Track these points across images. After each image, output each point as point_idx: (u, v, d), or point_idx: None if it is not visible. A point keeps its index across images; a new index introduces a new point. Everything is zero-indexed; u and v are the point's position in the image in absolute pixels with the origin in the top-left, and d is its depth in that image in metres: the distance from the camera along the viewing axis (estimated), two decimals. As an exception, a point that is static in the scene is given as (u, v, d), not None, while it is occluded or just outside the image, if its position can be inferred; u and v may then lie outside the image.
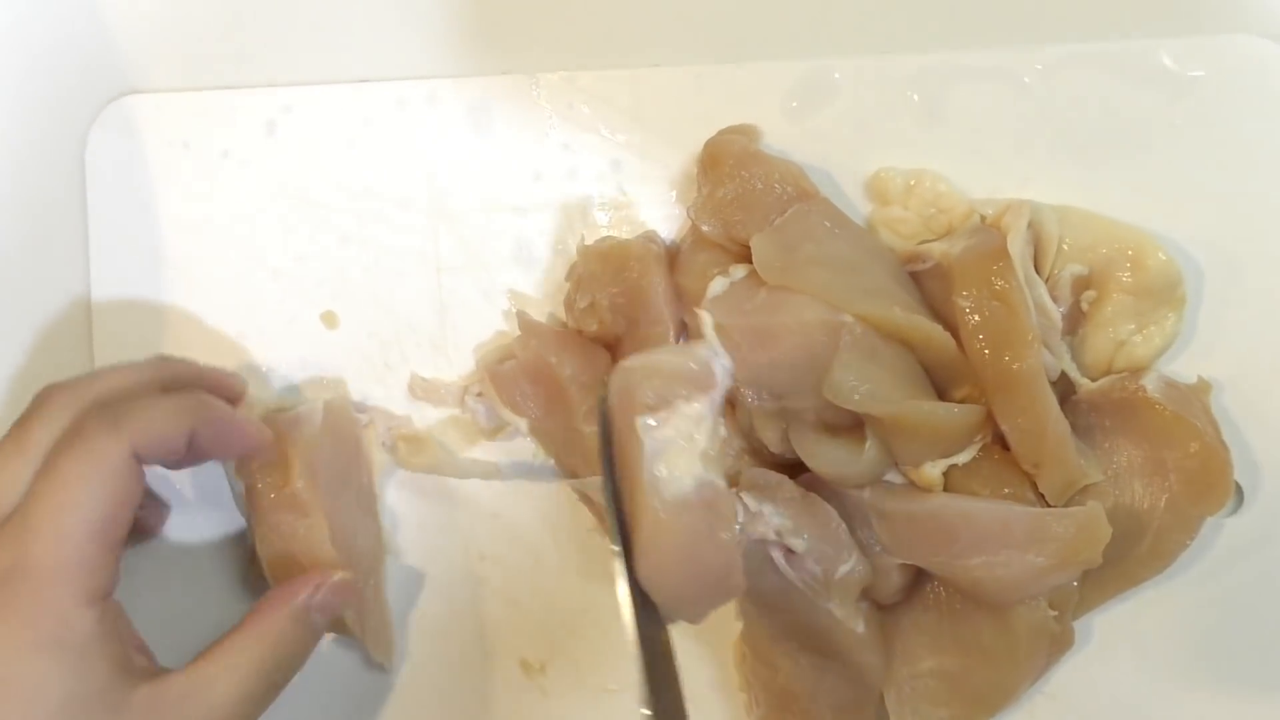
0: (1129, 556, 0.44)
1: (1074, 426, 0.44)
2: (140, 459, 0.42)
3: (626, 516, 0.40)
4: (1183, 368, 0.46)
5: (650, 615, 0.40)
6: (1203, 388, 0.45)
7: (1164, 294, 0.45)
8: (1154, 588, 0.46)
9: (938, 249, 0.45)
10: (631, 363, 0.40)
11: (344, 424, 0.50)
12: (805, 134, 0.49)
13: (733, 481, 0.45)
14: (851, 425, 0.44)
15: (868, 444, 0.43)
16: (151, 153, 0.53)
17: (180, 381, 0.46)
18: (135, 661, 0.41)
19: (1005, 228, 0.44)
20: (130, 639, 0.42)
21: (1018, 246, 0.43)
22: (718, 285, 0.45)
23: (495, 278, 0.51)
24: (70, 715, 0.38)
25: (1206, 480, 0.43)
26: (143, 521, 0.49)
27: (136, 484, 0.42)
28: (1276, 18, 0.46)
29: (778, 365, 0.44)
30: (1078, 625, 0.45)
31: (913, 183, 0.47)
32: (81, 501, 0.40)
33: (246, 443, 0.46)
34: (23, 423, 0.43)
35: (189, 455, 0.44)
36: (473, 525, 0.51)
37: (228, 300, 0.52)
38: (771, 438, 0.45)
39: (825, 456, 0.44)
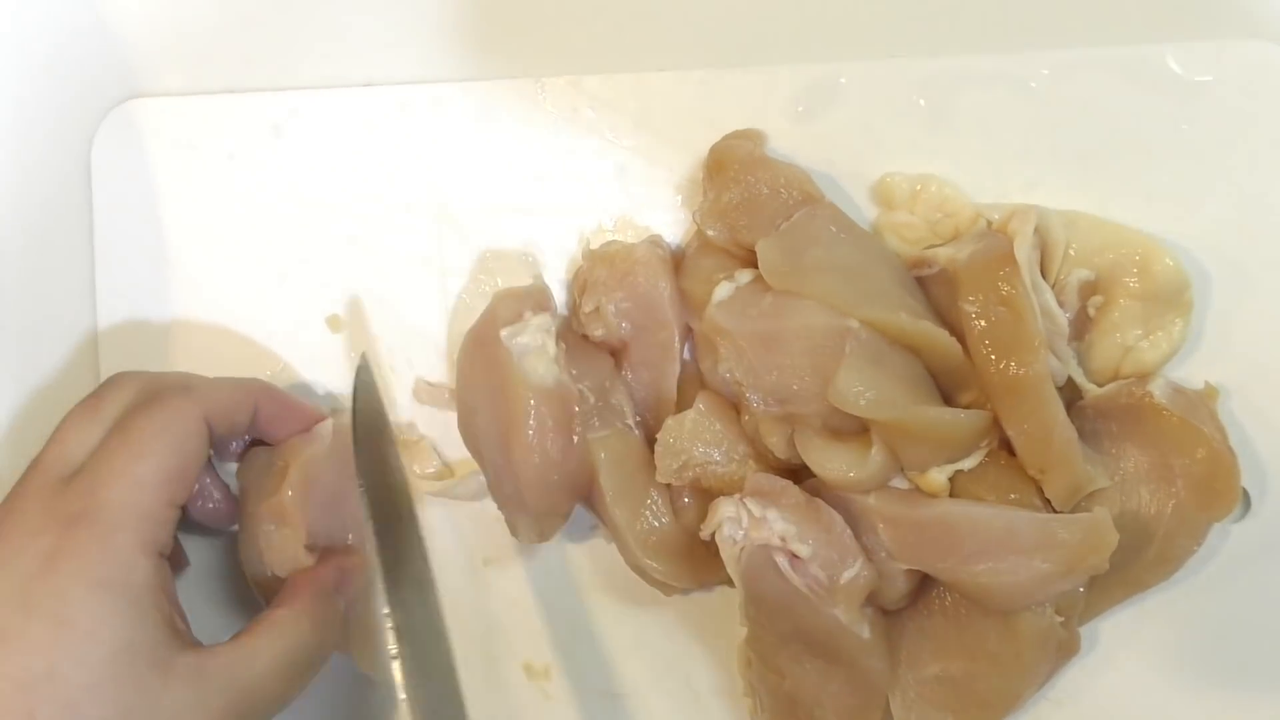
0: (1136, 562, 0.44)
1: (1080, 432, 0.44)
2: (212, 426, 0.45)
3: (481, 434, 0.46)
4: (1190, 373, 0.46)
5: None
6: (1210, 393, 0.45)
7: (1171, 299, 0.44)
8: (1160, 593, 0.45)
9: (944, 254, 0.45)
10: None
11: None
12: (811, 138, 0.48)
13: (738, 486, 0.45)
14: (857, 430, 0.44)
15: (873, 449, 0.43)
16: (157, 156, 0.53)
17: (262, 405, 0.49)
18: (179, 626, 0.43)
19: (1011, 233, 0.44)
20: (176, 604, 0.44)
21: (1024, 252, 0.43)
22: (723, 290, 0.45)
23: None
24: (121, 665, 0.40)
25: (1213, 486, 0.43)
26: (214, 512, 0.50)
27: (204, 446, 0.45)
28: (1284, 23, 0.46)
29: (783, 371, 0.43)
30: (1084, 631, 0.45)
31: (919, 187, 0.47)
32: (155, 451, 0.43)
33: (305, 421, 0.49)
34: (96, 394, 0.45)
35: (249, 432, 0.48)
36: (476, 530, 0.51)
37: (233, 303, 0.52)
38: (777, 443, 0.45)
39: (831, 462, 0.44)
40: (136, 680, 0.40)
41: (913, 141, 0.48)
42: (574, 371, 0.47)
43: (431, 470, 0.51)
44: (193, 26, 0.53)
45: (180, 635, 0.42)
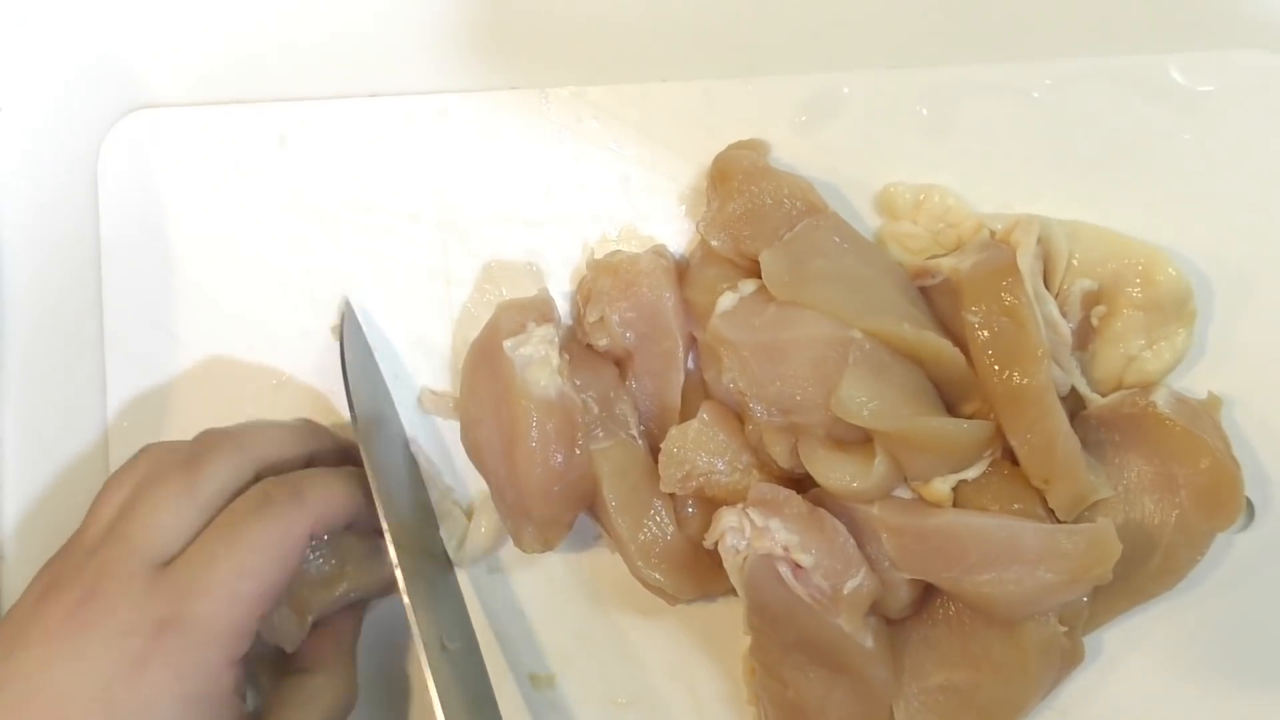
0: (1139, 572, 0.44)
1: (1084, 442, 0.44)
2: (313, 535, 0.44)
3: (484, 444, 0.47)
4: (1193, 383, 0.46)
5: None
6: (1213, 403, 0.45)
7: (1174, 309, 0.44)
8: (1164, 603, 0.45)
9: (947, 264, 0.45)
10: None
11: None
12: (814, 148, 0.49)
13: (742, 496, 0.45)
14: (860, 440, 0.44)
15: (877, 459, 0.43)
16: (164, 166, 0.53)
17: (326, 451, 0.49)
18: (245, 713, 0.43)
19: (1014, 243, 0.44)
20: (244, 699, 0.44)
21: (1027, 262, 0.43)
22: (727, 300, 0.45)
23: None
24: None
25: (1217, 496, 0.43)
26: None
27: (301, 560, 0.44)
28: (1286, 33, 0.46)
29: (786, 381, 0.43)
30: (1088, 640, 0.45)
31: (922, 197, 0.47)
32: (261, 570, 0.42)
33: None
34: (192, 467, 0.44)
35: None
36: (482, 538, 0.51)
37: (239, 312, 0.52)
38: (780, 453, 0.45)
39: (834, 472, 0.44)
40: None
41: (916, 151, 0.48)
42: (578, 382, 0.47)
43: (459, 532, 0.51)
44: (199, 37, 0.53)
45: None
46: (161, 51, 0.53)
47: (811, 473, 0.44)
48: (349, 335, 0.49)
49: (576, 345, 0.49)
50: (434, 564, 0.49)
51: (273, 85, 0.53)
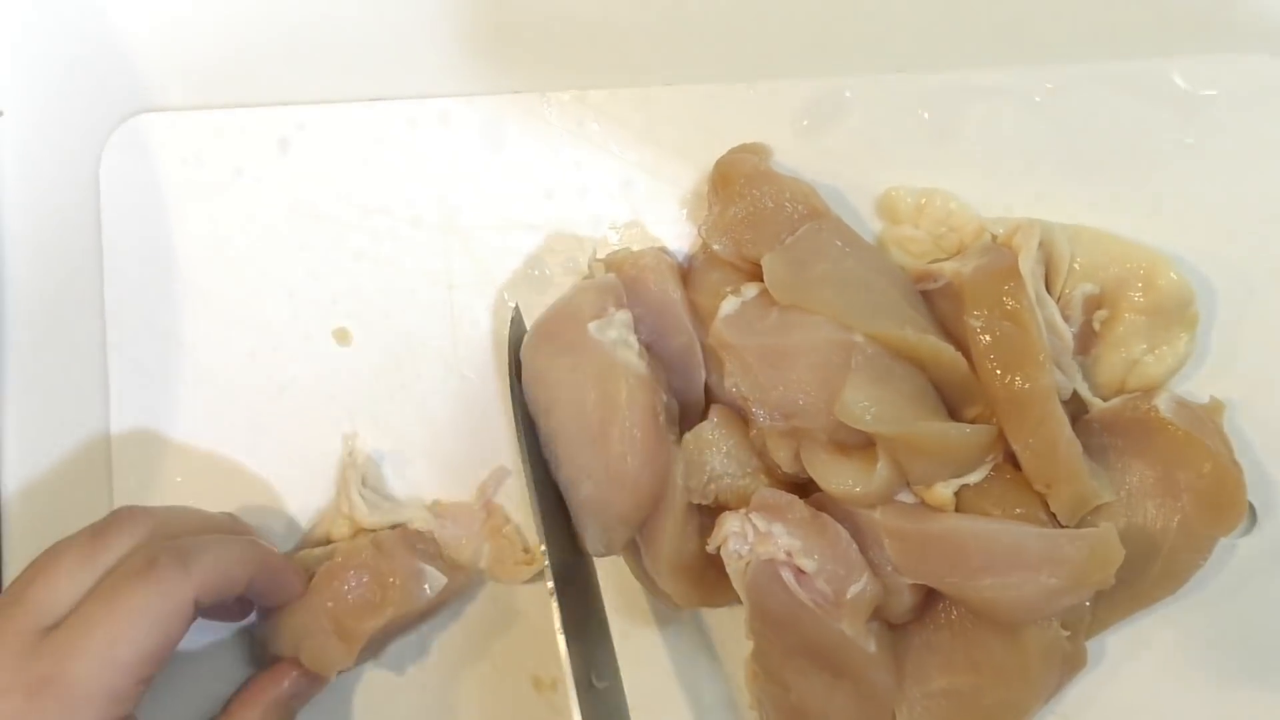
0: (1142, 577, 0.44)
1: (1086, 446, 0.44)
2: (200, 604, 0.43)
3: (559, 432, 0.46)
4: (1196, 387, 0.46)
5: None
6: (1215, 407, 0.45)
7: (1176, 313, 0.45)
8: (1167, 607, 0.46)
9: (949, 268, 0.45)
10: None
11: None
12: (816, 152, 0.49)
13: (747, 501, 0.45)
14: (863, 445, 0.44)
15: (879, 464, 0.43)
16: (165, 171, 0.53)
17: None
18: None
19: (1016, 247, 0.44)
20: None
21: (1029, 266, 0.43)
22: (730, 305, 0.45)
23: (506, 295, 0.51)
24: None
25: (1219, 501, 0.43)
26: (227, 613, 0.50)
27: (186, 625, 0.43)
28: (1288, 37, 0.46)
29: (789, 385, 0.44)
30: (1090, 645, 0.45)
31: (923, 201, 0.47)
32: (136, 637, 0.41)
33: (292, 593, 0.48)
34: (96, 536, 0.44)
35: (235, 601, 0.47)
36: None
37: (241, 316, 0.52)
38: (784, 457, 0.45)
39: (836, 476, 0.44)
40: None
41: (917, 155, 0.48)
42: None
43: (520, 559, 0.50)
44: (200, 41, 0.53)
45: None
46: (164, 55, 0.53)
47: (814, 477, 0.44)
48: (515, 337, 0.49)
49: None
50: (579, 592, 0.48)
51: (274, 89, 0.53)
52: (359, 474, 0.50)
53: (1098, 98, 0.47)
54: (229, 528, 0.49)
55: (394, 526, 0.50)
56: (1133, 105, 0.46)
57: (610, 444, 0.44)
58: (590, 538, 0.46)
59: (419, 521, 0.49)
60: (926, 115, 0.48)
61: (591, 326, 0.45)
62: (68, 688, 0.40)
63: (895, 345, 0.43)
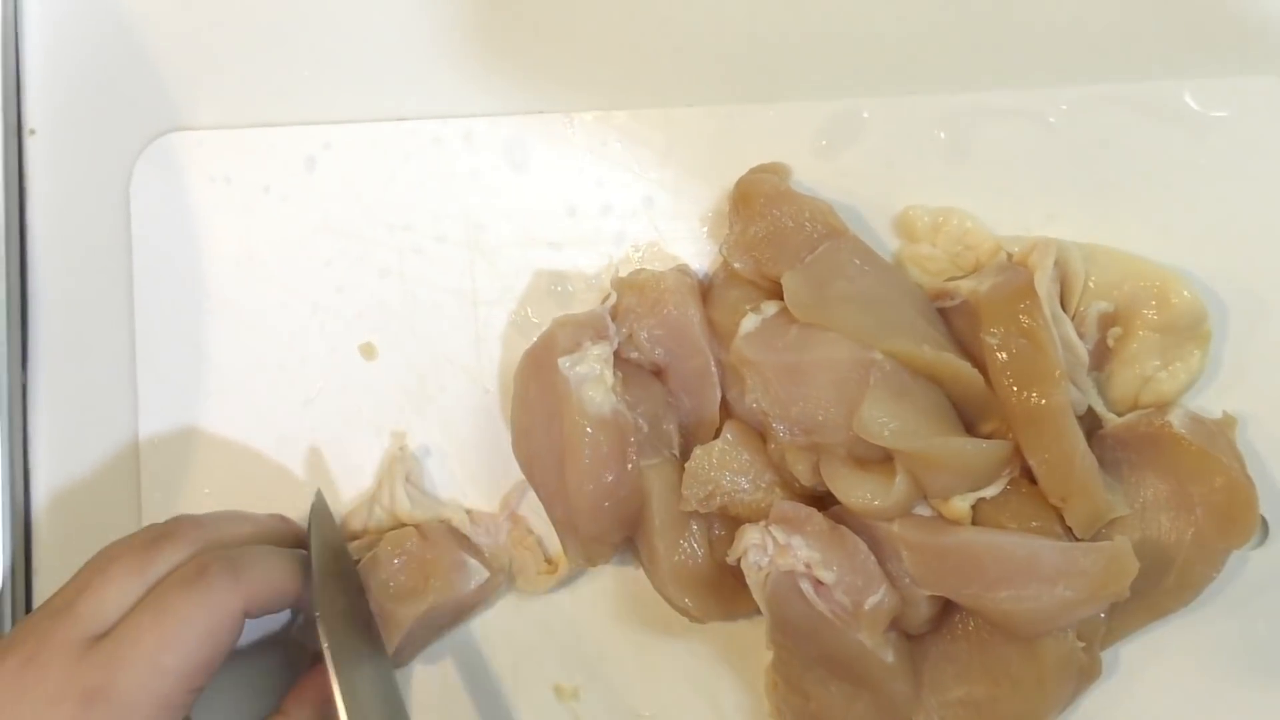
0: (1156, 589, 0.45)
1: (1100, 461, 0.45)
2: (250, 614, 0.44)
3: (536, 456, 0.48)
4: (1208, 403, 0.47)
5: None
6: (1228, 422, 0.46)
7: (1189, 330, 0.45)
8: (1180, 619, 0.46)
9: (965, 286, 0.46)
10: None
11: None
12: (835, 172, 0.50)
13: (765, 514, 0.46)
14: (881, 459, 0.45)
15: (897, 478, 0.44)
16: (194, 188, 0.54)
17: (288, 541, 0.49)
18: None
19: (1032, 266, 0.45)
20: None
21: (1044, 284, 0.44)
22: (750, 322, 0.46)
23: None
24: None
25: (1232, 514, 0.44)
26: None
27: (236, 635, 0.44)
28: (1299, 60, 0.47)
29: (809, 401, 0.44)
30: (1105, 655, 0.46)
31: (940, 220, 0.48)
32: (186, 645, 0.42)
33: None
34: (149, 547, 0.44)
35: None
36: (508, 553, 0.52)
37: (269, 331, 0.53)
38: (802, 471, 0.46)
39: (855, 490, 0.45)
40: None
41: (934, 175, 0.49)
42: (629, 399, 0.47)
43: (540, 570, 0.51)
44: (229, 61, 0.54)
45: None
46: (193, 75, 0.54)
47: (833, 491, 0.45)
48: (317, 524, 0.49)
49: (625, 362, 0.49)
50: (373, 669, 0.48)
51: (302, 108, 0.54)
52: (405, 469, 0.51)
53: (1111, 118, 0.48)
54: (281, 531, 0.50)
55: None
56: (1145, 126, 0.47)
57: (568, 476, 0.46)
58: (571, 551, 0.48)
59: (457, 521, 0.51)
60: (943, 135, 0.49)
61: (563, 361, 0.46)
62: (118, 697, 0.41)
63: (913, 362, 0.44)
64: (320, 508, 0.51)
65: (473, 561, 0.49)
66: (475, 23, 0.52)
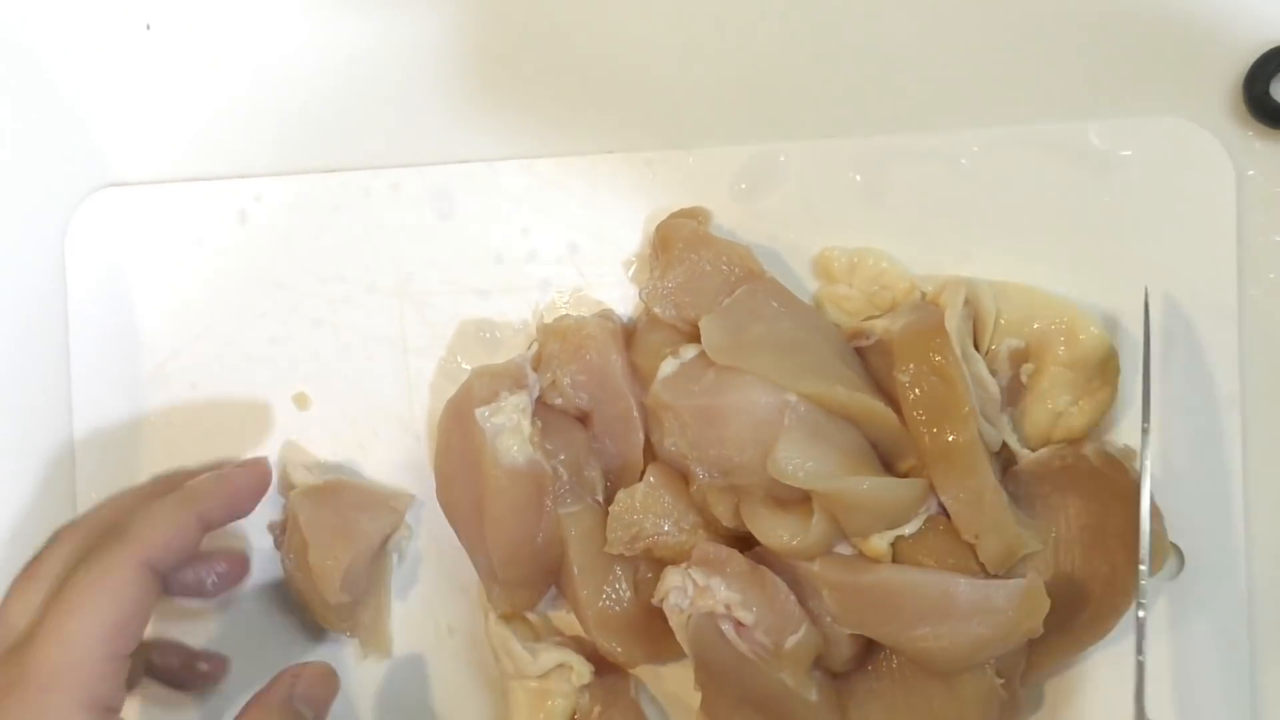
0: (1073, 623, 0.45)
1: (1016, 496, 0.45)
2: (156, 567, 0.43)
3: (457, 504, 0.49)
4: (1119, 435, 0.47)
5: None
6: (1128, 455, 0.46)
7: (1098, 366, 0.46)
8: (1101, 651, 0.47)
9: (880, 325, 0.47)
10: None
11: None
12: (754, 215, 0.50)
13: (688, 556, 0.46)
14: (800, 500, 0.45)
15: (814, 518, 0.44)
16: (130, 243, 0.55)
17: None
18: None
19: (943, 304, 0.45)
20: None
21: (954, 322, 0.45)
22: (668, 366, 0.47)
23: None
24: None
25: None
26: (224, 580, 0.51)
27: (148, 594, 0.43)
28: (1200, 101, 0.48)
29: (726, 444, 0.45)
30: (1028, 692, 0.46)
31: (857, 261, 0.49)
32: (86, 608, 0.41)
33: (255, 493, 0.49)
34: (36, 556, 0.44)
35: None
36: (441, 599, 0.52)
37: (204, 382, 0.54)
38: (724, 512, 0.47)
39: (774, 530, 0.45)
40: None
41: (851, 217, 0.50)
42: (549, 446, 0.48)
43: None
44: (159, 115, 0.55)
45: None
46: (127, 131, 0.55)
47: (753, 531, 0.46)
48: None
49: (548, 409, 0.50)
50: None
51: (233, 161, 0.55)
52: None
53: (1020, 159, 0.48)
54: (164, 486, 0.48)
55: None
56: (1054, 165, 0.48)
57: (486, 524, 0.47)
58: (494, 598, 0.49)
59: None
60: (859, 178, 0.50)
61: (480, 412, 0.47)
62: (33, 677, 0.40)
63: (827, 403, 0.45)
64: None
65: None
66: (401, 77, 0.53)
